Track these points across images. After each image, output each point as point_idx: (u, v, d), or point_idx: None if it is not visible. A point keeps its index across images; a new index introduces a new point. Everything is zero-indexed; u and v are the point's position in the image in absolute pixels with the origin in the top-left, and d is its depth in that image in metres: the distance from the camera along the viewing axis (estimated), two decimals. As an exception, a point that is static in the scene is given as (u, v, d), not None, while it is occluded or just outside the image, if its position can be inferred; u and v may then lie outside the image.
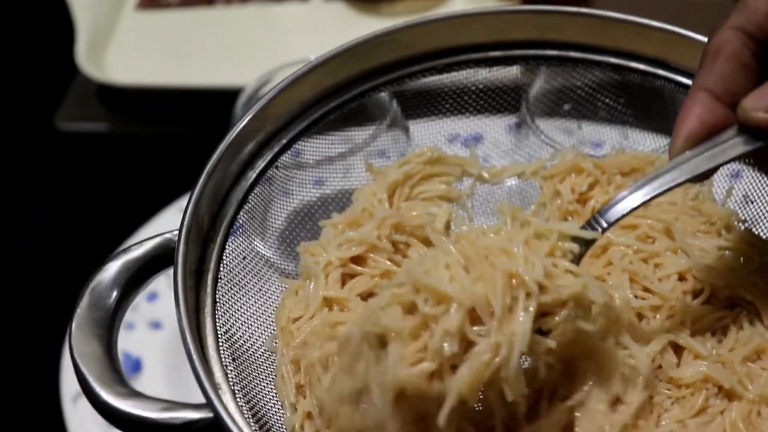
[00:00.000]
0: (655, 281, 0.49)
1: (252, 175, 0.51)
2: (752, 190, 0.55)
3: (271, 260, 0.63)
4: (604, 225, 0.45)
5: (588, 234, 0.44)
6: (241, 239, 0.51)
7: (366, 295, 0.50)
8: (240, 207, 0.51)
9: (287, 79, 0.51)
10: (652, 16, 0.97)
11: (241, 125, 0.50)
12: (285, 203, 0.65)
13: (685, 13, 0.95)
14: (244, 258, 0.52)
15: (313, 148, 0.60)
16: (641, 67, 0.54)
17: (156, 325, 0.75)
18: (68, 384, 0.71)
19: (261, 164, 0.52)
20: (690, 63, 0.51)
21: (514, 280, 0.40)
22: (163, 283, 0.77)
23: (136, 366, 0.72)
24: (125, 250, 0.47)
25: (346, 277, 0.51)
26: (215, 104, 0.79)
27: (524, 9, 0.53)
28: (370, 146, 0.58)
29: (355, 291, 0.50)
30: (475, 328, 0.39)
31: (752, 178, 0.56)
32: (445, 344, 0.39)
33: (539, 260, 0.41)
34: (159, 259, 0.47)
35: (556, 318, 0.41)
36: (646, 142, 0.62)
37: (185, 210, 0.46)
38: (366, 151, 0.58)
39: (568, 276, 0.41)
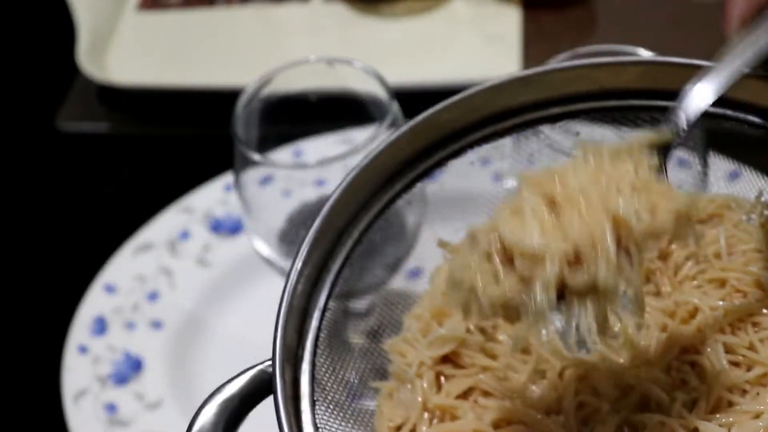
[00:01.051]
0: (757, 343, 0.47)
1: (328, 278, 0.49)
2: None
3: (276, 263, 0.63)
4: (684, 126, 0.42)
5: (669, 137, 0.42)
6: (327, 352, 0.49)
7: (465, 395, 0.49)
8: (323, 316, 0.48)
9: (350, 175, 0.48)
10: (651, 17, 0.97)
11: (313, 235, 0.47)
12: (285, 204, 0.65)
13: (684, 14, 0.95)
14: (334, 370, 0.50)
15: (314, 148, 0.60)
16: (710, 109, 0.52)
17: (157, 325, 0.75)
18: (70, 383, 0.71)
19: (336, 265, 0.49)
20: (761, 101, 0.49)
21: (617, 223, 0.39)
22: (163, 283, 0.77)
23: (137, 366, 0.72)
24: (218, 390, 0.45)
25: (439, 375, 0.50)
26: (216, 105, 0.80)
27: (581, 64, 0.51)
28: (370, 146, 0.58)
29: (452, 394, 0.49)
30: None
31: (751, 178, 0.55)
32: (544, 298, 0.38)
33: (639, 201, 0.39)
34: (255, 394, 0.45)
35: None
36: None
37: (275, 337, 0.44)
38: (366, 151, 0.58)
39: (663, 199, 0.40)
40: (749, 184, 0.55)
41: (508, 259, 0.39)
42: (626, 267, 0.39)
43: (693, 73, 0.49)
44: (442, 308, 0.51)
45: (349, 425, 0.50)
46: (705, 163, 0.57)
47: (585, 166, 0.41)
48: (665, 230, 0.39)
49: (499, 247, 0.39)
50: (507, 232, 0.39)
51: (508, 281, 0.39)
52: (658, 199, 0.40)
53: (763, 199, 0.54)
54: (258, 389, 0.45)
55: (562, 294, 0.39)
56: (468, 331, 0.50)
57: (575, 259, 0.39)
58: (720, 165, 0.56)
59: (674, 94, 0.50)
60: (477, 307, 0.40)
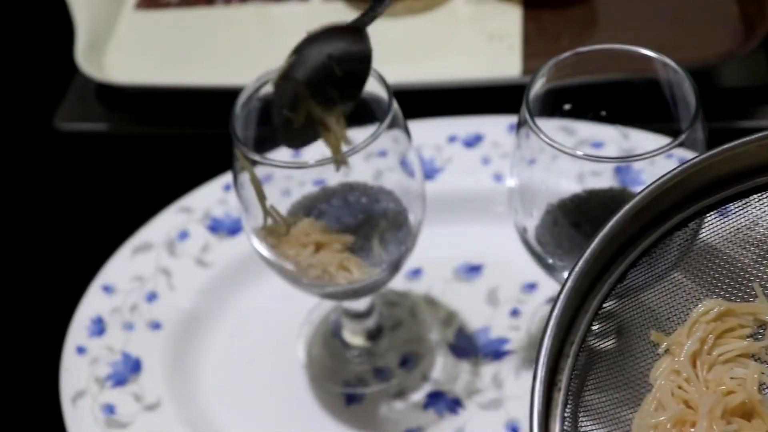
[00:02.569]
0: None
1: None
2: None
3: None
4: None
5: None
6: None
7: None
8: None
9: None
10: (652, 17, 0.97)
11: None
12: (284, 203, 0.65)
13: (685, 14, 0.95)
14: None
15: (313, 147, 0.60)
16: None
17: (156, 326, 0.74)
18: (68, 384, 0.71)
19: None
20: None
21: None
22: (162, 284, 0.77)
23: (136, 366, 0.72)
24: None
25: None
26: (215, 104, 0.79)
27: None
28: (371, 146, 0.58)
29: None
30: None
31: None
32: None
33: None
34: None
35: None
36: (648, 142, 0.62)
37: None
38: (366, 151, 0.58)
39: None
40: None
41: None
42: None
43: None
44: (682, 417, 0.47)
45: None
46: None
47: None
48: None
49: None
50: None
51: None
52: None
53: None
54: None
55: None
56: None
57: None
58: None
59: None
60: None
